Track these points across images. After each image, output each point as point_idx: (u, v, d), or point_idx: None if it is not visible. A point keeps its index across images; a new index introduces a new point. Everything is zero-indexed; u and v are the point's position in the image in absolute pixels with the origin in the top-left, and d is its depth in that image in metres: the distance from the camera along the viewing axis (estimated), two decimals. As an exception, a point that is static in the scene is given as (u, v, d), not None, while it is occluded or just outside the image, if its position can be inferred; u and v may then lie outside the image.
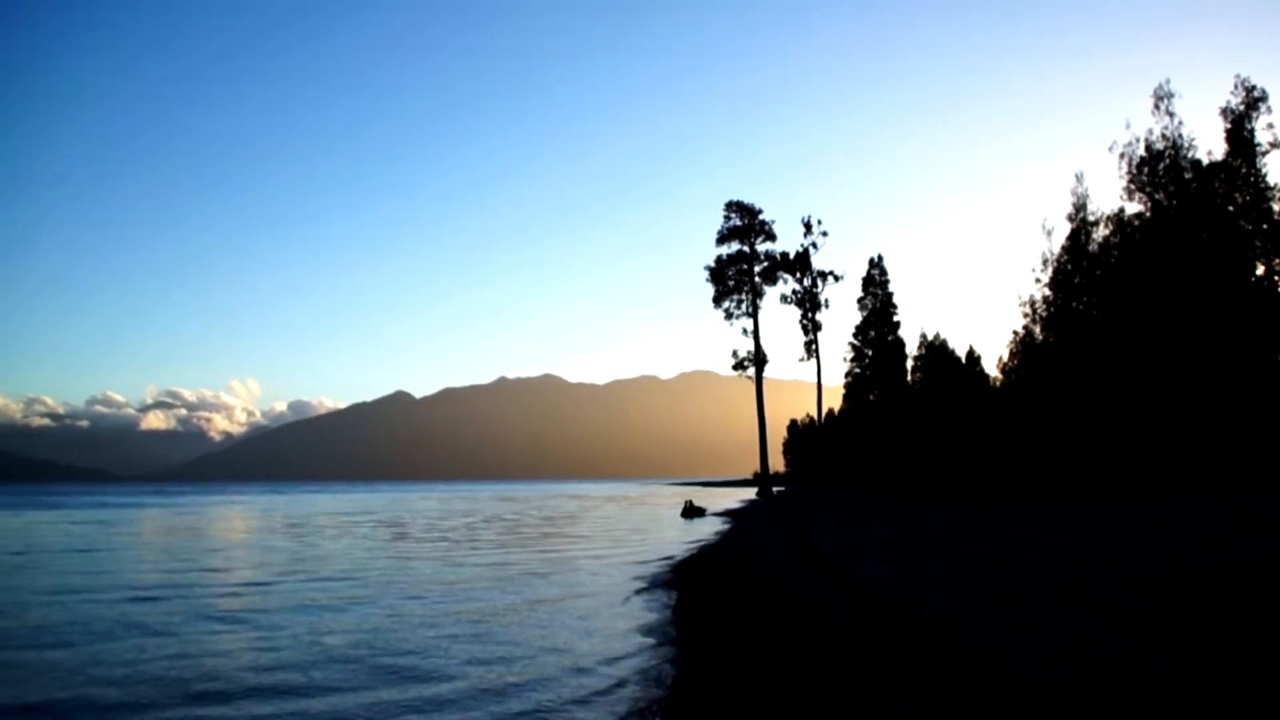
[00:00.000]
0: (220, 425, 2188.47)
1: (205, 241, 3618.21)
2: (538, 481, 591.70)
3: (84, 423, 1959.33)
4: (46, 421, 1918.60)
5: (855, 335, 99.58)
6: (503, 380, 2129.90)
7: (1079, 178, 67.65)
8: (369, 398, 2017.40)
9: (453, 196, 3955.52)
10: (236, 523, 74.74)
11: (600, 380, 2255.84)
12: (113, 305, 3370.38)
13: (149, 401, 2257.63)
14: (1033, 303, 71.21)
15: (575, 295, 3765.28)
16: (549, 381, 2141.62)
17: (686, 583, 27.27)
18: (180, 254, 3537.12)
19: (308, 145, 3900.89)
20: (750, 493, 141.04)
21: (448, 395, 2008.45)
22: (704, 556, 36.37)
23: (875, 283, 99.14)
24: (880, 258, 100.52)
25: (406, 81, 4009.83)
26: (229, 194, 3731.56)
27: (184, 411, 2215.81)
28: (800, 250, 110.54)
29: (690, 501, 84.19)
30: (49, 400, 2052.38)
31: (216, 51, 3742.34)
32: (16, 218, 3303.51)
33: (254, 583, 29.18)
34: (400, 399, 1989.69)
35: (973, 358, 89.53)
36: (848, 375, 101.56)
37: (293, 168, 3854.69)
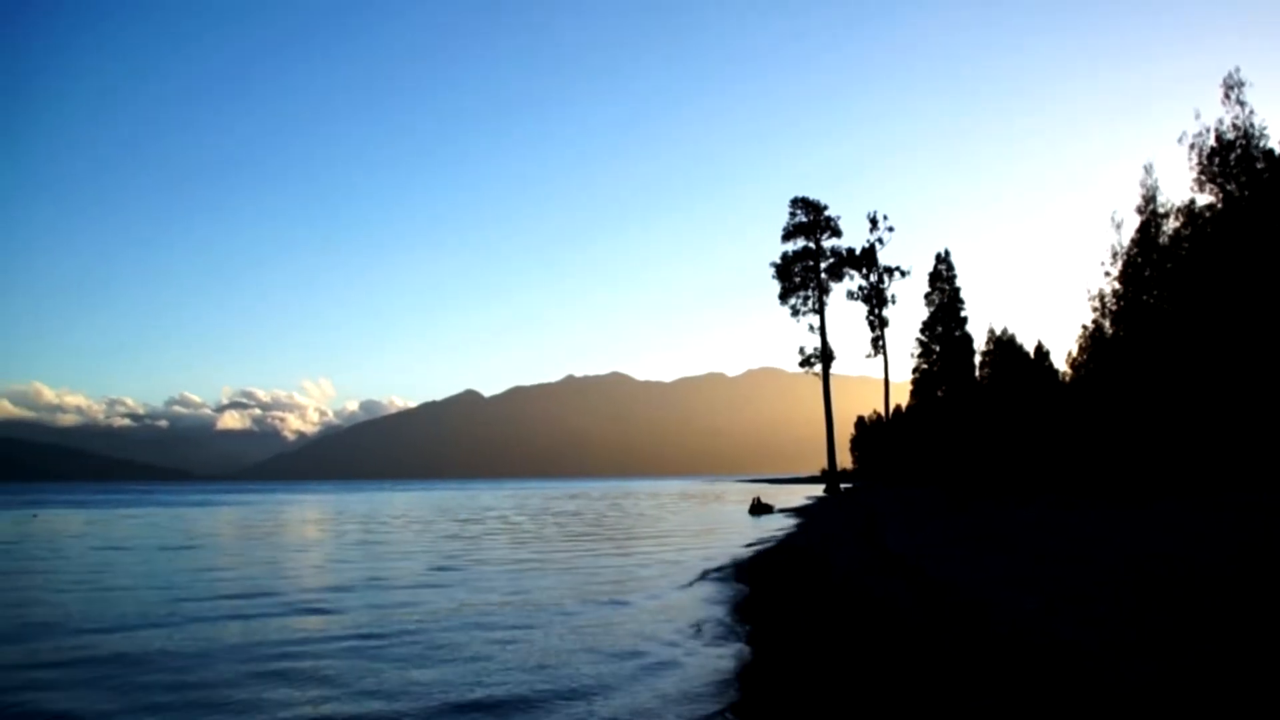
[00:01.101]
0: (294, 425, 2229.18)
1: (280, 244, 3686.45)
2: (605, 479, 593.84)
3: (163, 423, 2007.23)
4: (127, 422, 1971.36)
5: (922, 331, 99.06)
6: (570, 378, 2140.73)
7: (1148, 169, 66.77)
8: (439, 396, 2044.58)
9: (522, 195, 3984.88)
10: (344, 520, 76.53)
11: (667, 378, 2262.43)
12: (190, 308, 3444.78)
13: (225, 402, 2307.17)
14: (1102, 296, 70.49)
15: (643, 293, 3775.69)
16: (616, 379, 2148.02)
17: (756, 579, 27.18)
18: (255, 257, 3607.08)
19: (381, 146, 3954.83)
20: (817, 490, 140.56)
21: (516, 394, 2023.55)
22: (773, 554, 36.33)
23: (942, 278, 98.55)
24: (947, 253, 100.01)
25: (475, 77, 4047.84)
26: (301, 197, 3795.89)
27: (259, 411, 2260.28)
28: (866, 246, 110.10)
29: (758, 499, 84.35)
30: (130, 401, 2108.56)
31: (279, 45, 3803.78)
32: (101, 228, 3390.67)
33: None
34: (470, 398, 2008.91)
35: (1041, 353, 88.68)
36: (915, 371, 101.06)
37: (365, 168, 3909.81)
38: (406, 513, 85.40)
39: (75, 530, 61.27)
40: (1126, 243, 67.30)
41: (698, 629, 19.00)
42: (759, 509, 77.70)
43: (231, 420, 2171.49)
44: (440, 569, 31.53)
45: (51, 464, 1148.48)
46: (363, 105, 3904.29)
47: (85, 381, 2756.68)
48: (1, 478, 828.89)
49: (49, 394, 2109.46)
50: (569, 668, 15.23)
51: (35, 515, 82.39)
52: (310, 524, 70.52)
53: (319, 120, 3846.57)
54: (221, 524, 68.65)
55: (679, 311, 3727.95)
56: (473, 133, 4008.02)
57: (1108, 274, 68.86)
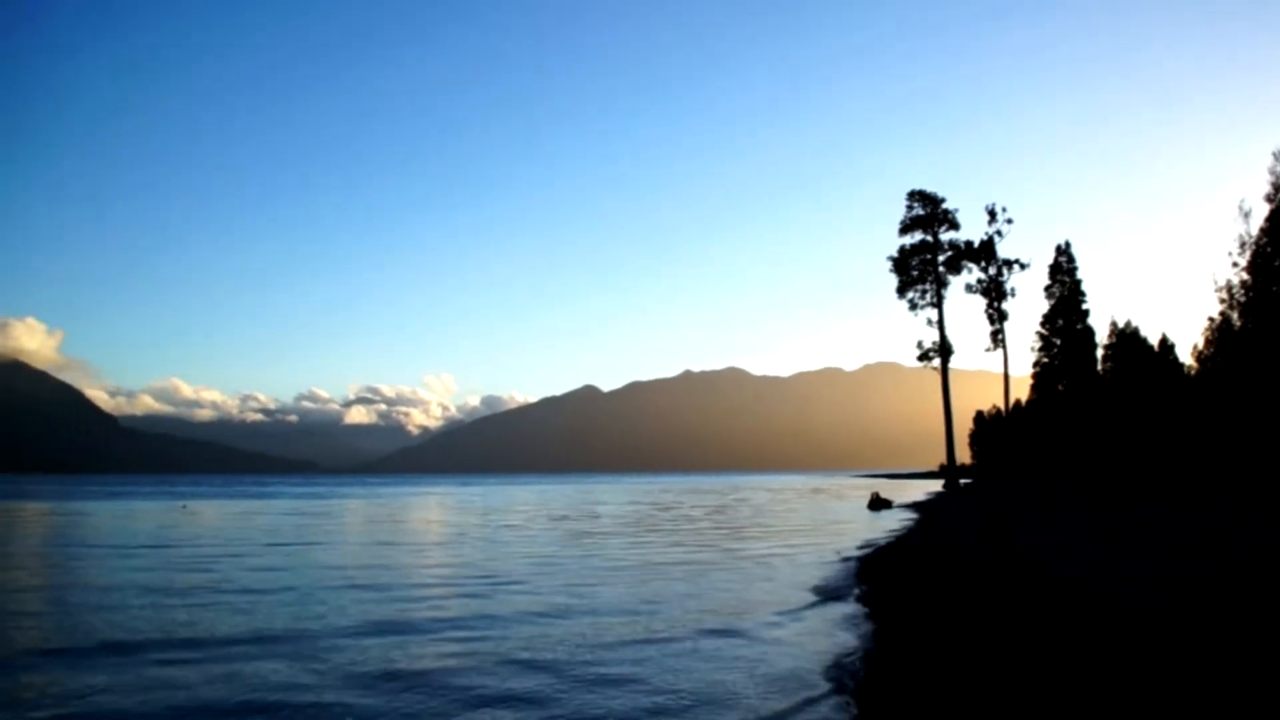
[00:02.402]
0: (417, 420, 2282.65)
1: (404, 243, 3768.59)
2: (721, 474, 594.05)
3: (293, 418, 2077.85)
4: (260, 417, 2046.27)
5: (1042, 324, 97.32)
6: (688, 373, 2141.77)
7: (1277, 156, 64.88)
8: (558, 392, 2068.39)
9: (643, 190, 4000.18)
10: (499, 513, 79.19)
11: (785, 373, 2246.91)
12: (319, 307, 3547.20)
13: (351, 397, 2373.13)
14: (1230, 288, 68.67)
15: (760, 288, 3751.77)
16: (733, 374, 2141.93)
17: (876, 576, 27.23)
18: (381, 257, 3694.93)
19: (504, 142, 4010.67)
20: (936, 485, 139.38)
21: (634, 389, 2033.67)
22: (893, 549, 36.48)
23: (1063, 270, 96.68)
24: (1067, 244, 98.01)
25: (588, 72, 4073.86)
26: (426, 196, 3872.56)
27: (384, 407, 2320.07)
28: (985, 238, 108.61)
29: (876, 494, 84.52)
30: (262, 397, 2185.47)
31: (390, 29, 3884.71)
32: (236, 233, 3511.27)
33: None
34: (588, 393, 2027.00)
35: (1166, 346, 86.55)
36: (1035, 365, 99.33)
37: (488, 165, 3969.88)
38: (565, 508, 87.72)
39: (269, 523, 65.06)
40: (1255, 232, 65.53)
41: (821, 626, 19.26)
42: (878, 504, 77.85)
43: (358, 415, 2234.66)
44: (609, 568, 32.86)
45: (190, 456, 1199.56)
46: (485, 98, 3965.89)
47: (221, 378, 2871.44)
48: (145, 469, 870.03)
49: (187, 390, 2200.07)
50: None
51: (185, 506, 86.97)
52: (434, 516, 73.38)
53: (442, 117, 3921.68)
54: (407, 516, 72.13)
55: (797, 306, 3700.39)
56: (593, 127, 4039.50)
57: (1235, 264, 67.08)
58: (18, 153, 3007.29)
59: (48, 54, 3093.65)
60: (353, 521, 63.52)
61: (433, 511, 77.41)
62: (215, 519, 66.10)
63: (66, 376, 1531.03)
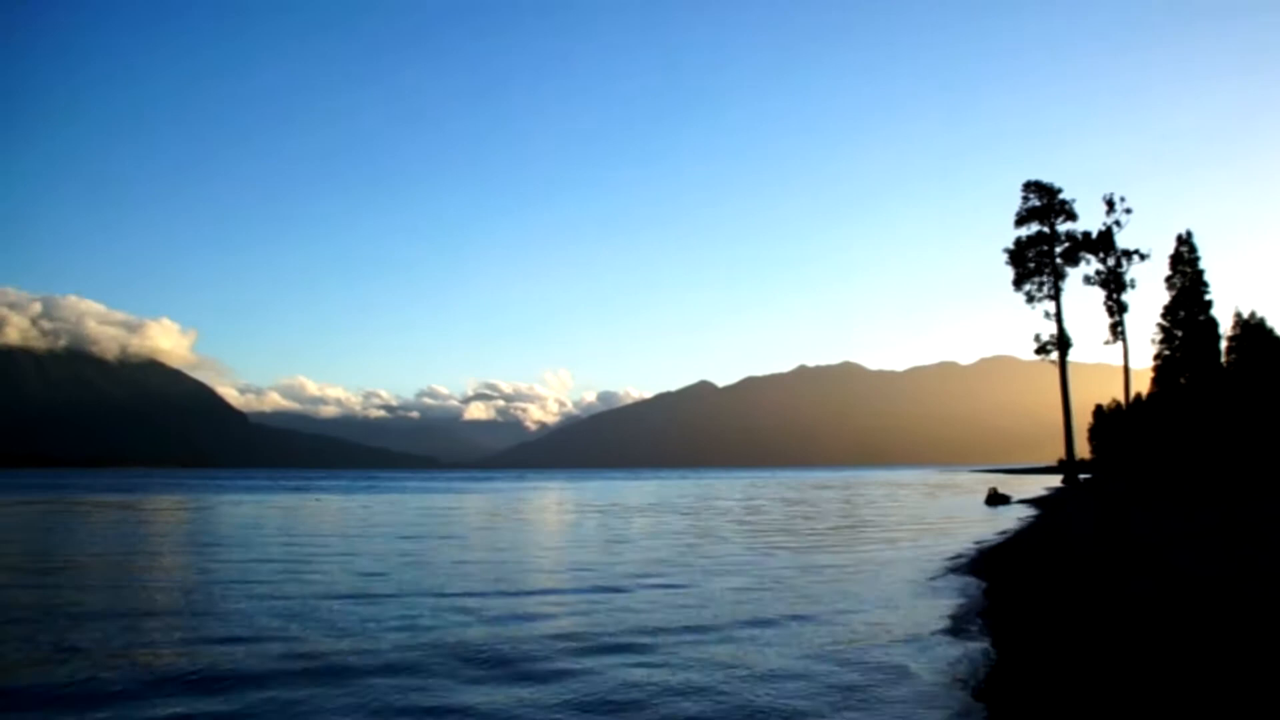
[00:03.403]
0: (535, 415, 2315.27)
1: (519, 241, 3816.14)
2: (836, 469, 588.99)
3: (414, 414, 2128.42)
4: (382, 413, 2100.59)
5: (1163, 316, 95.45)
6: (803, 368, 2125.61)
7: None
8: (673, 387, 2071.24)
9: (756, 185, 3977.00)
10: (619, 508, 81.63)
11: (899, 367, 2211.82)
12: (439, 305, 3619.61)
13: (470, 394, 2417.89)
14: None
15: (875, 281, 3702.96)
16: (848, 369, 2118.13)
17: (996, 572, 26.99)
18: (497, 255, 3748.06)
19: (616, 141, 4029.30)
20: (1054, 480, 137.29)
21: (749, 384, 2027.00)
22: (1013, 544, 36.44)
23: (1184, 260, 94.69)
24: (1189, 234, 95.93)
25: (704, 67, 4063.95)
26: (539, 193, 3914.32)
27: (502, 403, 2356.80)
28: (1103, 229, 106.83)
29: (994, 489, 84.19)
30: (384, 394, 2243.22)
31: (511, 38, 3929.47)
32: (358, 232, 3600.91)
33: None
34: (703, 388, 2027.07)
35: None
36: (1156, 358, 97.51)
37: (602, 162, 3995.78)
38: (694, 502, 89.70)
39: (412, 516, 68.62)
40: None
41: (938, 619, 19.50)
42: (996, 499, 77.62)
43: (477, 411, 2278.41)
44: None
45: (316, 451, 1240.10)
46: (604, 94, 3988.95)
47: (344, 376, 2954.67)
48: (272, 463, 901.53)
49: (312, 387, 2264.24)
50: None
51: (318, 499, 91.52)
52: (561, 510, 75.93)
53: (558, 113, 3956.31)
54: (543, 511, 75.10)
55: (911, 300, 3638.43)
56: (704, 122, 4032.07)
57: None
58: (155, 165, 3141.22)
59: (188, 66, 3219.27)
60: (506, 517, 66.35)
61: (563, 507, 79.55)
62: (386, 510, 69.77)
63: (199, 375, 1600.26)
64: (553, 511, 72.07)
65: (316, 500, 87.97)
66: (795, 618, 19.93)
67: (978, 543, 38.63)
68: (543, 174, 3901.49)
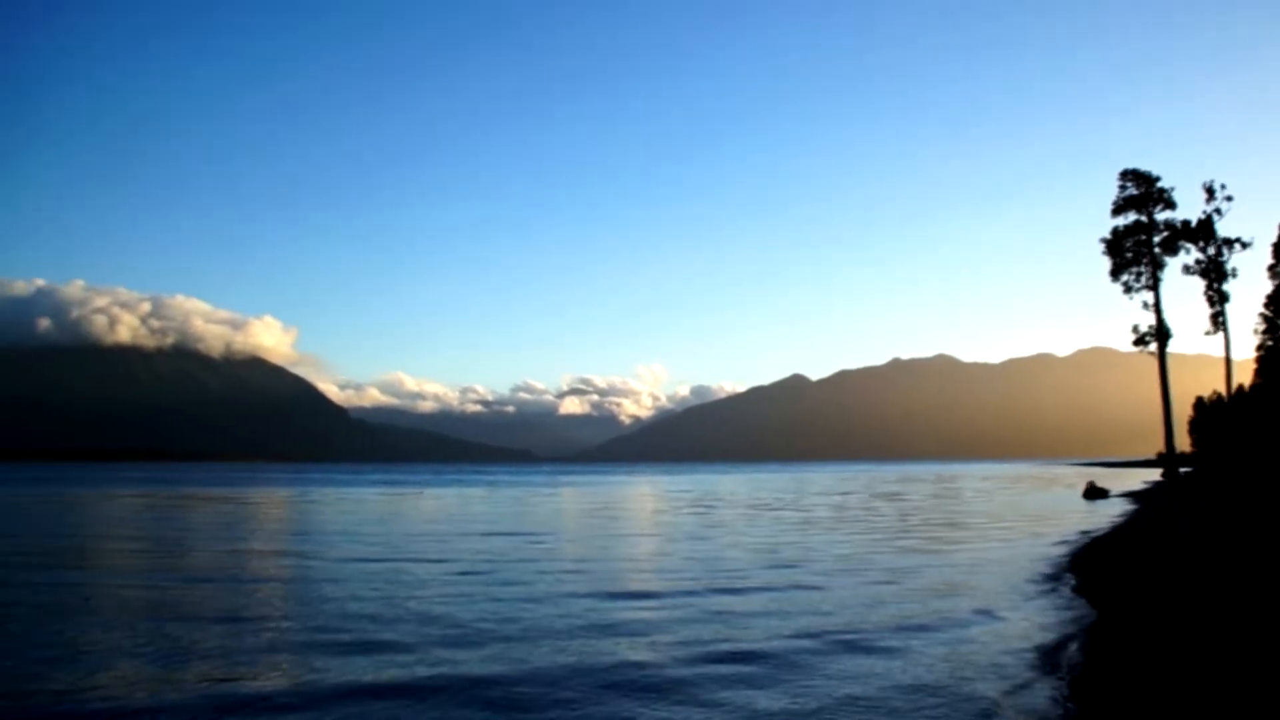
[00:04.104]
0: (629, 409, 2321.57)
1: (611, 236, 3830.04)
2: (931, 462, 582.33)
3: (510, 408, 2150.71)
4: (479, 408, 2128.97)
5: (1266, 305, 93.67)
6: (896, 361, 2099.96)
7: None
8: (766, 381, 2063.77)
9: (848, 178, 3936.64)
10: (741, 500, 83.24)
11: (995, 359, 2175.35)
12: (534, 301, 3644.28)
13: (565, 388, 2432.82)
14: None
15: (969, 273, 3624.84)
16: (942, 362, 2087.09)
17: (1094, 565, 27.40)
18: (589, 250, 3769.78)
19: (710, 137, 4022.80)
20: (1154, 474, 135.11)
21: (841, 377, 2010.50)
22: (1112, 538, 36.42)
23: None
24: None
25: (796, 64, 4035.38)
26: (632, 191, 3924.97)
27: (596, 397, 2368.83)
28: (1203, 217, 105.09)
29: (1092, 482, 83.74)
30: (480, 388, 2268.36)
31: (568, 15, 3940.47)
32: (450, 230, 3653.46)
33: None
34: (796, 381, 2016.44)
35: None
36: (1259, 349, 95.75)
37: (694, 159, 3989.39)
38: (797, 497, 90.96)
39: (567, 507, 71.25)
40: None
41: (1036, 621, 19.61)
42: (1094, 493, 77.24)
43: (571, 405, 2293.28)
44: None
45: (415, 446, 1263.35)
46: (702, 91, 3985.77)
47: (441, 371, 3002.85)
48: (373, 457, 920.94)
49: (410, 382, 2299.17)
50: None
51: (421, 492, 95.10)
52: (661, 504, 77.73)
53: (650, 110, 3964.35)
54: (649, 501, 77.36)
55: (1006, 291, 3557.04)
56: (799, 115, 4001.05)
57: None
58: (257, 168, 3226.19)
59: (288, 67, 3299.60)
60: (620, 509, 68.43)
61: (668, 501, 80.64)
62: (505, 502, 72.52)
63: (301, 371, 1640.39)
64: (659, 506, 73.81)
65: (420, 494, 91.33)
66: (914, 628, 18.86)
67: (1083, 532, 39.02)
68: (636, 169, 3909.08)
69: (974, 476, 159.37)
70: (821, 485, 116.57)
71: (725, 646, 16.89)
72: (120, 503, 72.98)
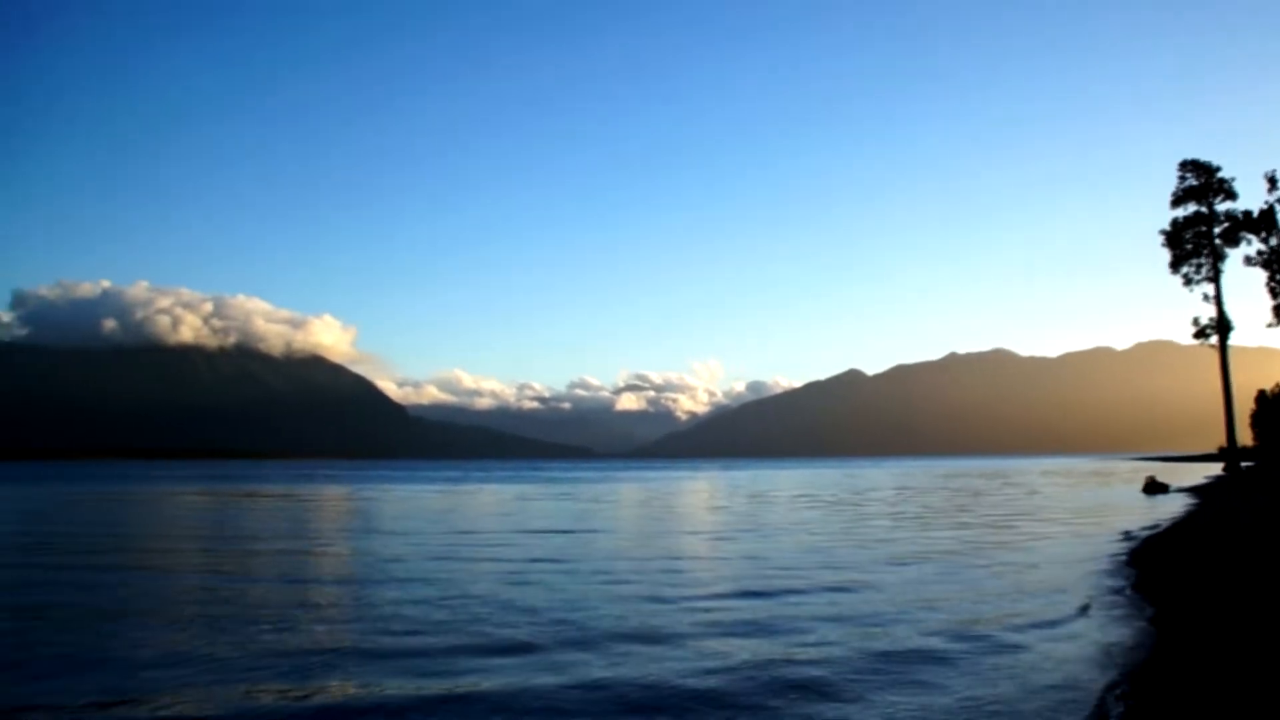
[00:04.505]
0: (685, 405, 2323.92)
1: (668, 233, 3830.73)
2: (988, 457, 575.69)
3: (566, 405, 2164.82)
4: (536, 405, 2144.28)
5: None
6: (953, 355, 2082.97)
7: None
8: (822, 376, 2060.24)
9: (904, 175, 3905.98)
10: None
11: (1052, 353, 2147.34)
12: (589, 297, 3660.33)
13: (621, 385, 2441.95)
14: None
15: (1025, 266, 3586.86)
16: (999, 356, 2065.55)
17: (1154, 560, 27.05)
18: (646, 247, 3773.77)
19: (765, 134, 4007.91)
20: (1215, 468, 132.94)
21: (898, 372, 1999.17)
22: (1171, 534, 35.98)
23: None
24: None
25: (850, 60, 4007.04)
26: (688, 188, 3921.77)
27: (652, 393, 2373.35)
28: (1264, 208, 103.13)
29: (1152, 477, 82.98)
30: (537, 385, 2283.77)
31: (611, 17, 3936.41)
32: (508, 228, 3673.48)
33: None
34: (852, 377, 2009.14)
35: None
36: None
37: (749, 156, 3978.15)
38: (879, 493, 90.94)
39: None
40: None
41: (1088, 608, 19.69)
42: (1154, 488, 76.49)
43: (628, 402, 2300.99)
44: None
45: (473, 442, 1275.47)
46: (746, 90, 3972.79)
47: (498, 368, 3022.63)
48: (432, 454, 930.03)
49: (468, 380, 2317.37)
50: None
51: (481, 489, 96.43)
52: (722, 500, 78.22)
53: (703, 107, 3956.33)
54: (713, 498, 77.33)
55: (1063, 284, 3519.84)
56: (854, 113, 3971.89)
57: None
58: (317, 169, 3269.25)
59: (348, 65, 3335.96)
60: (683, 504, 68.99)
61: (732, 497, 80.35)
62: (576, 498, 73.51)
63: (360, 369, 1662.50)
64: (728, 502, 74.14)
65: (477, 489, 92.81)
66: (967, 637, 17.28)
67: (1143, 528, 38.78)
68: (691, 166, 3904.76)
69: (1032, 472, 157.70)
70: (880, 481, 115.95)
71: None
72: (183, 500, 74.33)
